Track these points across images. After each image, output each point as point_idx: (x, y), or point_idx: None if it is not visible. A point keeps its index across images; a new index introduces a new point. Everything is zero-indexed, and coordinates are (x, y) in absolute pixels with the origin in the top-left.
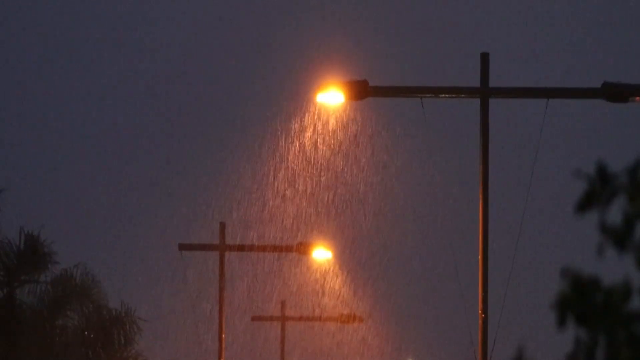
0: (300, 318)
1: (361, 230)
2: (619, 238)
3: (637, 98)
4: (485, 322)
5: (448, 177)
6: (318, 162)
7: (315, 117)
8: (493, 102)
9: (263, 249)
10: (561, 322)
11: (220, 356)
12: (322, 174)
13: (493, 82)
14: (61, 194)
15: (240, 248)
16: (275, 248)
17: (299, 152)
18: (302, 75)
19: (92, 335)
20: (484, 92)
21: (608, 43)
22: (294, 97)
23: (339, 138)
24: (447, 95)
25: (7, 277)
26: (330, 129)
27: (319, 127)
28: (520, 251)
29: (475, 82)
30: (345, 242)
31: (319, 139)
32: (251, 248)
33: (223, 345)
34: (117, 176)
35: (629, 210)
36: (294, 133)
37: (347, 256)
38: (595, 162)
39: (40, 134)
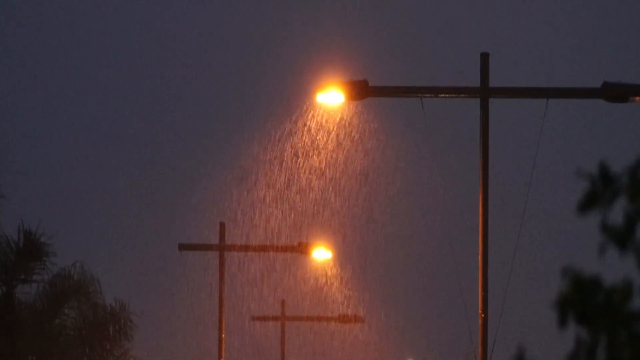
0: (300, 318)
1: (361, 230)
2: (620, 238)
3: (637, 98)
4: (485, 322)
5: (448, 177)
6: (318, 162)
7: (315, 117)
8: (493, 102)
9: (263, 249)
10: (562, 322)
11: (220, 356)
12: (322, 173)
13: (493, 82)
14: (61, 194)
15: (240, 248)
16: (276, 248)
17: (299, 152)
18: (302, 75)
19: (85, 333)
20: (484, 92)
21: (608, 43)
22: (294, 97)
23: (338, 138)
24: (447, 95)
25: (6, 276)
26: (330, 129)
27: (319, 127)
28: (520, 251)
29: (475, 82)
30: (345, 242)
31: (318, 139)
32: (251, 248)
33: (223, 345)
34: (118, 176)
35: (630, 210)
36: (294, 133)
37: (347, 256)
38: (597, 162)
39: (40, 134)
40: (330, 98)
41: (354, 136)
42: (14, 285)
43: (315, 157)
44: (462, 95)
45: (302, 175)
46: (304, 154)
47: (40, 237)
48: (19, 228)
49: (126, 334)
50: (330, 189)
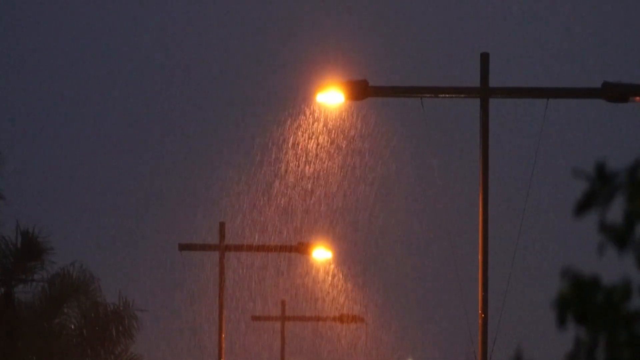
0: (300, 318)
1: (361, 230)
2: (619, 237)
3: (637, 98)
4: (485, 322)
5: (448, 177)
6: (318, 162)
7: (315, 117)
8: (493, 102)
9: (263, 249)
10: (561, 321)
11: (220, 356)
12: (322, 173)
13: (493, 82)
14: (60, 194)
15: (240, 248)
16: (276, 248)
17: (299, 151)
18: (302, 75)
19: (86, 333)
20: (484, 92)
21: (608, 43)
22: (294, 97)
23: (338, 138)
24: (447, 95)
25: (5, 276)
26: (330, 128)
27: (319, 127)
28: (520, 251)
29: (475, 82)
30: (345, 242)
31: (318, 139)
32: (251, 248)
33: (223, 345)
34: (118, 176)
35: (629, 210)
36: (294, 133)
37: (347, 256)
38: (594, 162)
39: (39, 134)
40: (330, 98)
41: (354, 136)
42: (13, 285)
43: (315, 156)
44: (462, 95)
45: (302, 175)
46: (304, 153)
47: (38, 237)
48: (17, 228)
49: (131, 334)
50: (330, 189)
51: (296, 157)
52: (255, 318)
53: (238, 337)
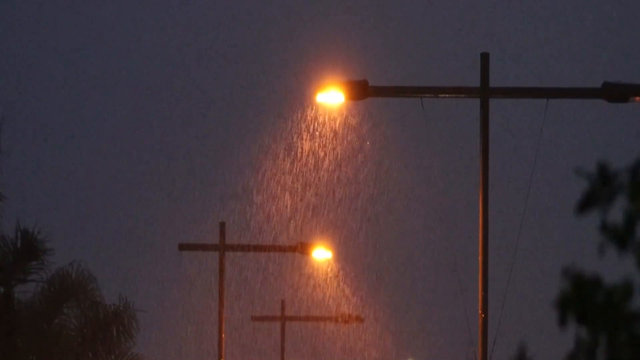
0: (300, 318)
1: (361, 230)
2: (619, 237)
3: (637, 98)
4: (485, 322)
5: (448, 177)
6: (318, 162)
7: (315, 116)
8: (493, 102)
9: (263, 249)
10: (562, 321)
11: (220, 356)
12: (322, 173)
13: (493, 82)
14: (60, 194)
15: (240, 248)
16: (276, 248)
17: (299, 151)
18: (302, 75)
19: (85, 332)
20: (484, 92)
21: (608, 43)
22: (294, 97)
23: (338, 138)
24: (447, 95)
25: (4, 275)
26: (330, 128)
27: (319, 127)
28: (520, 251)
29: (475, 82)
30: (345, 242)
31: (318, 139)
32: (251, 248)
33: (223, 345)
34: (118, 176)
35: (630, 210)
36: (294, 132)
37: (347, 256)
38: (596, 162)
39: (39, 134)
40: (330, 98)
41: (354, 136)
42: (12, 285)
43: (315, 156)
44: (462, 95)
45: (301, 174)
46: (304, 153)
47: (37, 236)
48: (17, 227)
49: (131, 334)
50: (330, 189)
51: (296, 157)
52: (255, 318)
53: (238, 337)
